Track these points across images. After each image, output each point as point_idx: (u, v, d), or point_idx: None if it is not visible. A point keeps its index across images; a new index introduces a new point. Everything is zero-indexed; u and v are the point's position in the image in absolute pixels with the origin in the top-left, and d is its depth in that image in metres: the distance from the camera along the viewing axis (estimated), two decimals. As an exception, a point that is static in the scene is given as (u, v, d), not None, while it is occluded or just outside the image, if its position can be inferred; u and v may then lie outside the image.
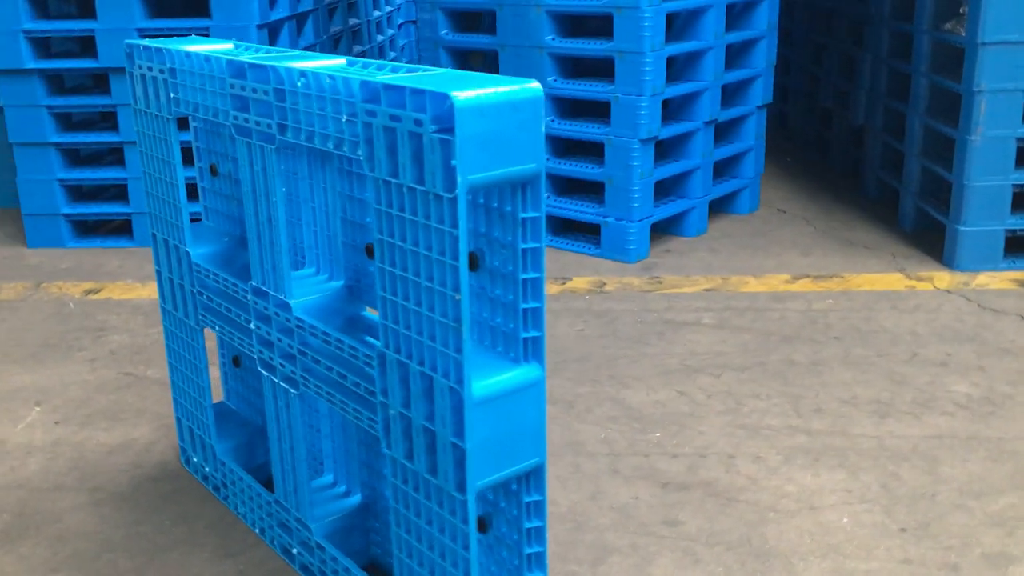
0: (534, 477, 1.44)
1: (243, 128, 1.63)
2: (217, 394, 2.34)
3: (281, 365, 1.71)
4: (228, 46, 1.83)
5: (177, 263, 1.98)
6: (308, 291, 1.70)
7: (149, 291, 3.29)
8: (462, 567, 1.39)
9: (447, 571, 1.42)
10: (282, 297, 1.65)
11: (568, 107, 3.68)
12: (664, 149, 3.73)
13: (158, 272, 2.08)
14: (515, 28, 3.60)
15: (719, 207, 4.02)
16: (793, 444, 2.27)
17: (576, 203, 3.62)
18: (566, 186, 3.74)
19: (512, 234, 1.33)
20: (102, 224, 3.93)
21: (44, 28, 3.54)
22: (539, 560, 1.48)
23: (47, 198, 3.71)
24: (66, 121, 3.72)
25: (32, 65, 3.55)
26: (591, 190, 3.70)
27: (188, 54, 1.74)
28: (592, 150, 3.67)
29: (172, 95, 1.82)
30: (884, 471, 2.15)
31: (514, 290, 1.35)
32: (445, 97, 1.20)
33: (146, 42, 1.87)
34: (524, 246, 1.33)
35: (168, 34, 3.51)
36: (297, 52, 1.68)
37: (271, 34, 3.70)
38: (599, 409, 2.45)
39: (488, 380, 1.33)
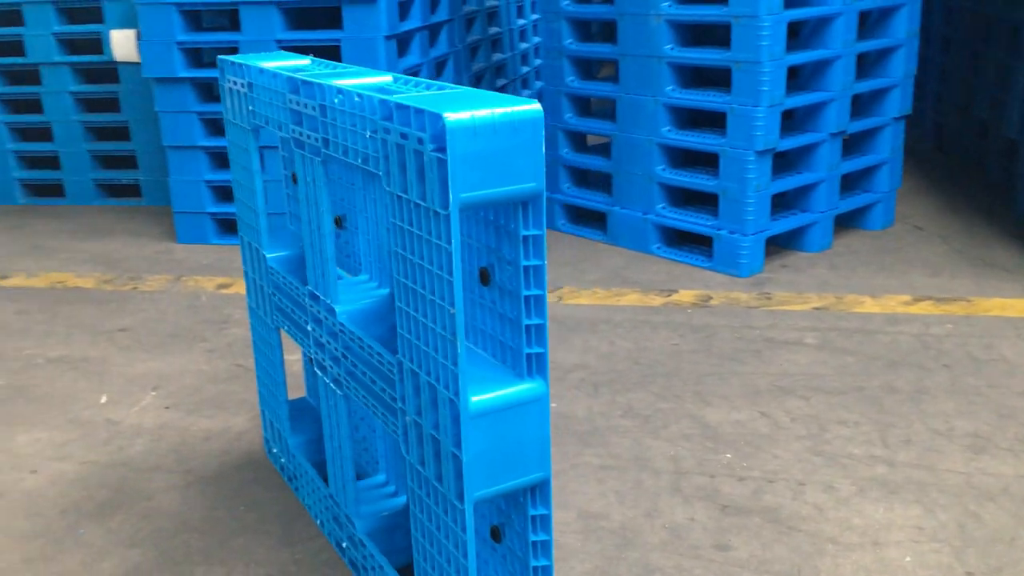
0: (540, 491, 1.45)
1: (299, 141, 1.72)
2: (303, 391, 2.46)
3: (329, 366, 1.79)
4: (304, 62, 1.94)
5: (257, 264, 2.11)
6: (356, 297, 1.77)
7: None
8: (463, 574, 1.43)
9: (452, 576, 1.46)
10: (329, 302, 1.73)
11: (687, 117, 3.63)
12: (787, 161, 3.62)
13: (245, 272, 2.22)
14: (635, 38, 3.58)
15: (849, 222, 3.86)
16: (871, 475, 2.17)
17: (690, 214, 3.57)
18: (681, 197, 3.69)
19: (515, 252, 1.35)
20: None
21: (195, 40, 3.80)
22: (545, 573, 1.49)
23: (195, 198, 3.98)
24: (214, 126, 3.98)
25: (184, 74, 3.83)
26: (707, 201, 3.64)
27: (261, 70, 1.85)
28: (710, 161, 3.61)
29: (249, 108, 1.94)
30: (964, 510, 2.03)
31: (516, 307, 1.38)
32: (439, 117, 1.24)
33: (232, 58, 2.00)
34: (526, 263, 1.35)
35: (305, 46, 3.71)
36: (356, 69, 1.76)
37: (400, 45, 3.84)
38: (675, 426, 2.42)
39: (487, 394, 1.36)
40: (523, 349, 1.39)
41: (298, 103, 1.69)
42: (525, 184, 1.30)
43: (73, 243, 4.09)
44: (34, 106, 4.66)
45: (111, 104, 4.59)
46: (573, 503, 2.11)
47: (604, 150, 3.91)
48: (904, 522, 2.00)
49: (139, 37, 3.86)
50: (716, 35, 3.54)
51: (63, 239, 4.15)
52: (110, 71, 4.53)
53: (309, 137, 1.67)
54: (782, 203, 3.67)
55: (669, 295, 3.27)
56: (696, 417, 2.46)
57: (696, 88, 3.53)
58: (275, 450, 2.27)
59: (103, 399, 2.68)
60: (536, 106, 1.29)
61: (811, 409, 2.47)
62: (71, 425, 2.53)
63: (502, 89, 5.21)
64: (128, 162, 4.68)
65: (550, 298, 3.28)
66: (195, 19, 3.89)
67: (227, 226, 4.06)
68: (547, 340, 1.39)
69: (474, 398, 1.35)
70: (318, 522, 2.05)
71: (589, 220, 4.00)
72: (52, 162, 4.75)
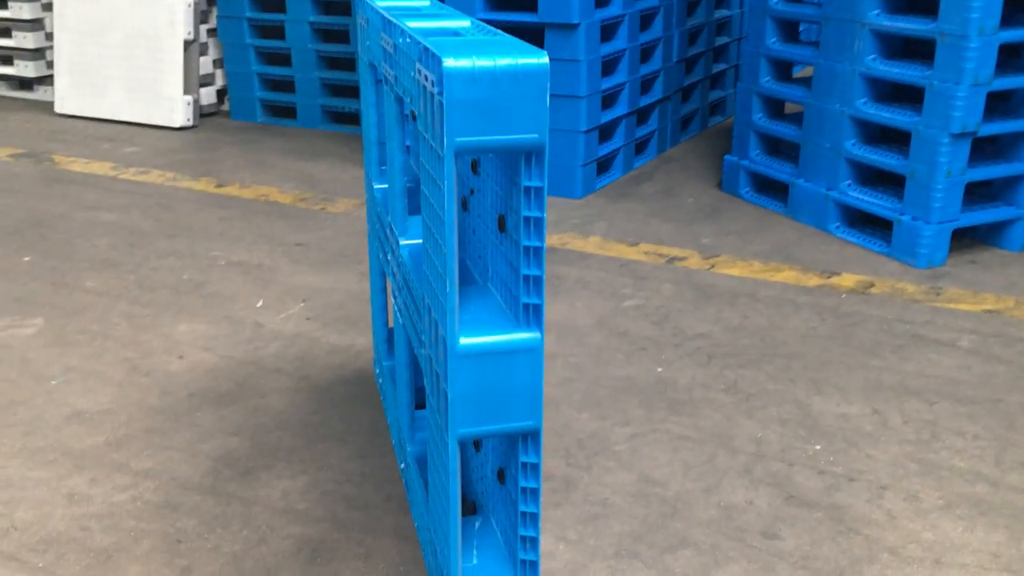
0: (532, 440, 1.48)
1: (385, 77, 1.81)
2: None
3: (395, 296, 1.89)
4: (423, 3, 2.01)
5: (368, 193, 2.23)
6: (420, 234, 1.85)
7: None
8: (451, 507, 1.49)
9: (443, 508, 1.52)
10: (397, 235, 1.82)
11: (887, 91, 3.39)
12: (996, 148, 3.30)
13: (368, 203, 2.35)
14: (840, 1, 3.37)
15: (1066, 223, 3.47)
16: (967, 492, 2.00)
17: (874, 195, 3.35)
18: (870, 176, 3.46)
19: (517, 202, 1.37)
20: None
21: None
22: (533, 519, 1.52)
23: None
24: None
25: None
26: (897, 183, 3.39)
27: (372, 7, 1.95)
28: (905, 140, 3.35)
29: (366, 43, 2.05)
30: (1057, 547, 1.83)
31: (516, 257, 1.40)
32: (440, 61, 1.27)
33: (363, -4, 2.11)
34: (527, 214, 1.36)
35: (503, 24, 3.80)
36: (448, 12, 1.81)
37: (603, 31, 3.84)
38: (774, 408, 2.33)
39: (477, 337, 1.40)
40: (521, 299, 1.41)
41: (384, 41, 1.77)
42: (526, 135, 1.31)
43: (288, 162, 4.45)
44: (278, 32, 5.07)
45: (343, 36, 4.91)
46: (637, 466, 2.10)
47: (798, 119, 3.74)
48: (980, 546, 1.84)
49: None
50: (928, 2, 3.26)
51: (281, 157, 4.52)
52: (344, 4, 4.83)
53: (388, 74, 1.75)
54: (986, 194, 3.36)
55: (829, 277, 3.11)
56: (801, 403, 2.35)
57: (901, 60, 3.28)
58: (377, 371, 2.42)
59: (259, 303, 2.94)
60: (544, 59, 1.29)
61: (931, 414, 2.30)
62: (225, 322, 2.80)
63: (723, 49, 5.07)
64: (353, 91, 4.99)
65: (703, 264, 3.21)
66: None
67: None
68: (543, 292, 1.40)
69: (463, 339, 1.39)
70: (393, 441, 2.18)
71: (773, 190, 3.85)
72: (288, 86, 5.15)
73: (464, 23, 1.67)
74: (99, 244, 3.40)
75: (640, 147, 4.44)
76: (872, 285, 3.04)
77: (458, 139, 1.29)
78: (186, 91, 5.05)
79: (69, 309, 2.87)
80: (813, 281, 3.08)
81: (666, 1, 4.34)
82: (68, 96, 5.32)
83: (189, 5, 4.96)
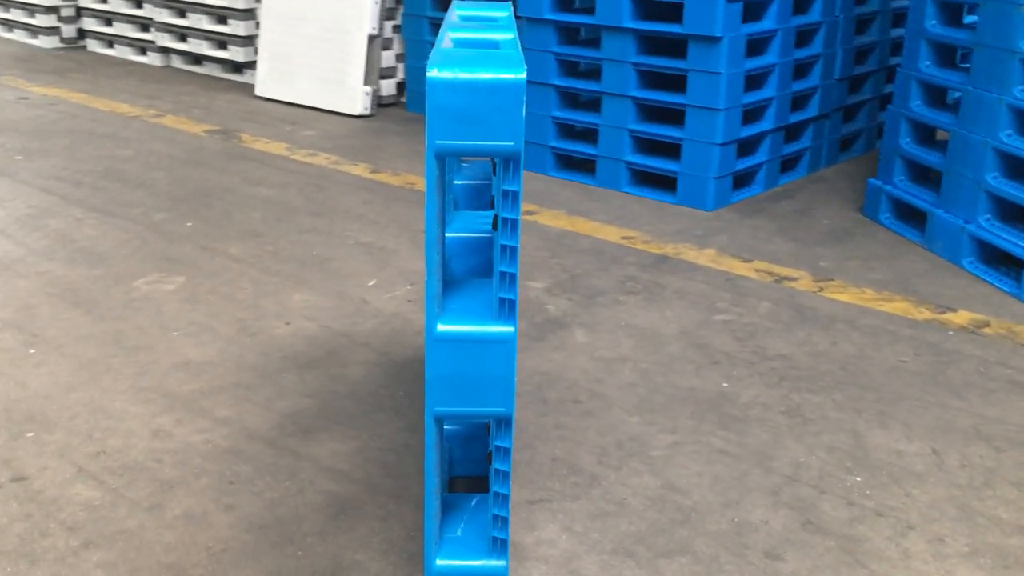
0: (504, 426, 1.58)
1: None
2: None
3: (438, 283, 2.03)
4: (498, 14, 2.14)
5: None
6: (460, 228, 1.97)
7: (576, 224, 3.74)
8: (428, 479, 1.62)
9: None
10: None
11: (1037, 123, 3.20)
12: None
13: (452, 195, 2.50)
14: (993, 28, 3.21)
15: None
16: (998, 543, 1.92)
17: (1011, 232, 3.18)
18: (1011, 212, 3.28)
19: (496, 203, 1.48)
20: (581, 162, 4.47)
21: (564, -15, 4.11)
22: (504, 500, 1.62)
23: (541, 131, 4.35)
24: (567, 68, 4.29)
25: (549, 16, 4.16)
26: (1039, 222, 3.20)
27: (450, 15, 2.09)
28: (1052, 177, 3.16)
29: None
30: (1077, 613, 1.74)
31: (496, 254, 1.51)
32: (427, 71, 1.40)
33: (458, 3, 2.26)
34: (504, 215, 1.47)
35: (647, 34, 3.86)
36: (500, 23, 1.93)
37: (751, 45, 3.84)
38: (828, 436, 2.30)
39: (455, 325, 1.52)
40: (497, 293, 1.52)
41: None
42: (502, 142, 1.42)
43: (422, 150, 4.68)
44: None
45: (512, 37, 5.10)
46: (666, 473, 2.15)
47: (945, 148, 3.58)
48: (991, 600, 1.77)
49: (522, -22, 4.26)
50: (1091, 34, 3.06)
51: (416, 145, 4.76)
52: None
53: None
54: None
55: (942, 312, 2.99)
56: (858, 435, 2.31)
57: (1051, 92, 3.10)
58: (450, 354, 2.57)
59: (372, 282, 3.16)
60: (521, 75, 1.40)
61: (994, 462, 2.20)
62: (335, 296, 3.05)
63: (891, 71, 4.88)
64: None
65: (812, 286, 3.16)
66: (570, -33, 4.19)
67: (565, 161, 4.38)
68: (517, 288, 1.51)
69: (440, 326, 1.52)
70: (444, 421, 2.33)
71: (913, 218, 3.70)
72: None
73: (508, 36, 1.78)
74: (252, 216, 3.75)
75: (788, 164, 4.37)
76: (987, 325, 2.90)
77: (438, 141, 1.42)
78: (366, 82, 5.40)
79: (208, 271, 3.21)
80: (923, 315, 2.97)
81: (830, 17, 4.25)
82: (266, 80, 5.81)
83: (376, 2, 5.30)
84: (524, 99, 1.41)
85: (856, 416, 2.40)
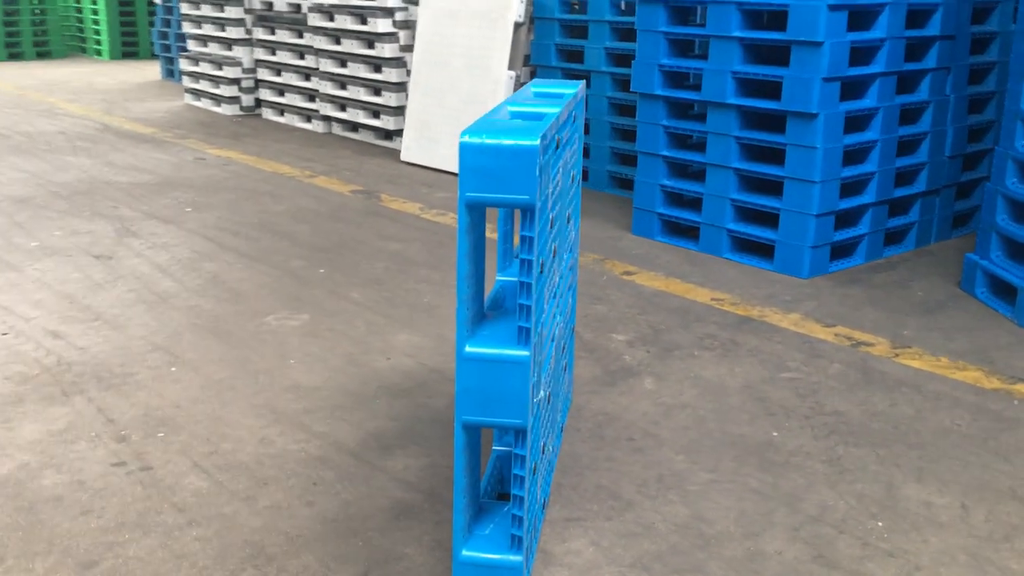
0: (521, 436, 1.86)
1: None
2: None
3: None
4: (564, 90, 2.46)
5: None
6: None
7: (671, 285, 3.98)
8: (456, 481, 1.90)
9: (462, 480, 1.95)
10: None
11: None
12: None
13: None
14: (1080, 108, 3.29)
15: None
16: (1002, 590, 2.03)
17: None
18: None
19: (520, 247, 1.78)
20: (686, 228, 4.71)
21: (674, 64, 4.41)
22: (520, 502, 1.89)
23: (650, 198, 4.62)
24: (675, 140, 4.56)
25: (660, 92, 4.46)
26: None
27: (536, 87, 2.43)
28: None
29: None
30: (1059, 655, 1.83)
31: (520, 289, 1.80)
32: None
33: (535, 81, 2.60)
34: (523, 256, 1.77)
35: (754, 78, 4.10)
36: (559, 98, 2.24)
37: (851, 121, 4.03)
38: (862, 485, 2.44)
39: (479, 346, 1.82)
40: (516, 323, 1.81)
41: (506, 119, 2.25)
42: (519, 195, 1.73)
43: (561, 218, 5.02)
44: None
45: (633, 111, 5.42)
46: (697, 505, 2.35)
47: (1040, 223, 3.63)
48: (977, 636, 1.89)
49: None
50: None
51: (558, 213, 5.10)
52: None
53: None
54: None
55: (1013, 383, 3.05)
56: (892, 486, 2.44)
57: None
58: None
59: (470, 328, 3.49)
60: (534, 143, 1.70)
61: (1020, 519, 2.29)
62: (435, 337, 3.39)
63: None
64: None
65: (888, 352, 3.28)
66: (679, 46, 4.49)
67: (671, 227, 4.62)
68: (533, 319, 1.79)
69: (468, 348, 1.82)
70: (507, 447, 2.61)
71: (1008, 294, 3.74)
72: (583, 151, 5.76)
73: (553, 110, 2.10)
74: (376, 266, 4.17)
75: (894, 237, 4.46)
76: (1054, 396, 2.95)
77: (468, 194, 1.74)
78: (499, 150, 5.83)
79: (330, 311, 3.62)
80: (993, 384, 3.04)
81: (939, 96, 4.36)
82: (411, 147, 6.34)
83: (510, 78, 5.75)
84: (537, 161, 1.71)
85: (895, 470, 2.52)
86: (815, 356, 3.25)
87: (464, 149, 1.72)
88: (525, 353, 1.82)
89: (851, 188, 4.21)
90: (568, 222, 2.47)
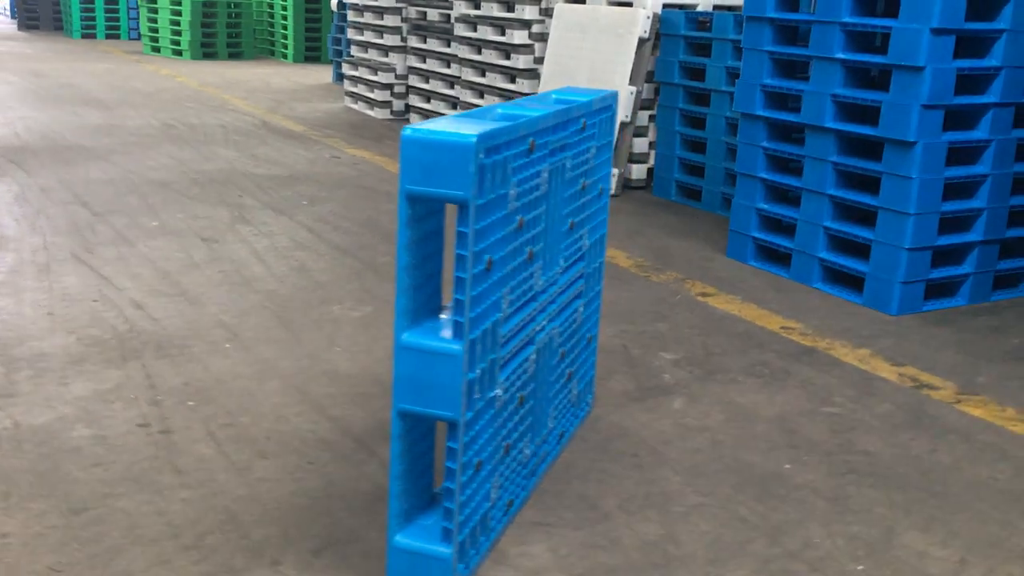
0: (452, 429, 1.88)
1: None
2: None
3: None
4: (587, 97, 2.46)
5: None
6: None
7: (744, 310, 3.87)
8: (392, 469, 1.94)
9: (405, 468, 1.98)
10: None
11: None
12: None
13: (557, 255, 2.82)
14: None
15: None
16: (967, 653, 1.87)
17: None
18: None
19: (456, 241, 1.81)
20: (780, 254, 4.54)
21: (775, 84, 4.28)
22: (451, 495, 1.91)
23: (746, 220, 4.50)
24: (775, 162, 4.41)
25: (761, 112, 4.34)
26: None
27: (563, 92, 2.45)
28: None
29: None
30: None
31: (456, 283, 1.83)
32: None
33: (563, 89, 2.61)
34: (459, 252, 1.79)
35: (853, 102, 3.93)
36: (566, 103, 2.25)
37: (950, 117, 3.77)
38: (859, 527, 2.31)
39: (414, 335, 1.86)
40: (452, 316, 1.84)
41: (505, 121, 2.27)
42: (455, 191, 1.75)
43: (658, 235, 4.96)
44: (700, 123, 5.61)
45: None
46: (673, 526, 2.29)
47: None
48: None
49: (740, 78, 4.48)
50: None
51: (656, 230, 5.04)
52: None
53: (496, 146, 2.25)
54: None
55: (1080, 441, 2.80)
56: (892, 532, 2.29)
57: None
58: (540, 397, 2.86)
59: (522, 334, 3.51)
60: (471, 139, 1.73)
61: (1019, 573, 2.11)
62: (485, 340, 3.43)
63: None
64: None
65: (950, 397, 3.07)
66: (784, 67, 4.35)
67: (765, 252, 4.48)
68: (466, 312, 1.81)
69: (404, 336, 1.86)
70: (505, 449, 2.61)
71: (1111, 348, 3.43)
72: (700, 171, 5.66)
73: (536, 114, 2.11)
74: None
75: (1006, 280, 4.16)
76: (1122, 461, 2.68)
77: (408, 186, 1.79)
78: (614, 164, 5.81)
79: (391, 304, 3.73)
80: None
81: (1067, 131, 4.04)
82: (535, 158, 6.42)
83: (631, 93, 5.73)
84: (472, 157, 1.73)
85: (903, 516, 2.37)
86: (867, 394, 3.08)
87: (405, 142, 1.76)
88: (457, 347, 1.84)
89: (955, 224, 3.96)
90: (572, 230, 2.46)
